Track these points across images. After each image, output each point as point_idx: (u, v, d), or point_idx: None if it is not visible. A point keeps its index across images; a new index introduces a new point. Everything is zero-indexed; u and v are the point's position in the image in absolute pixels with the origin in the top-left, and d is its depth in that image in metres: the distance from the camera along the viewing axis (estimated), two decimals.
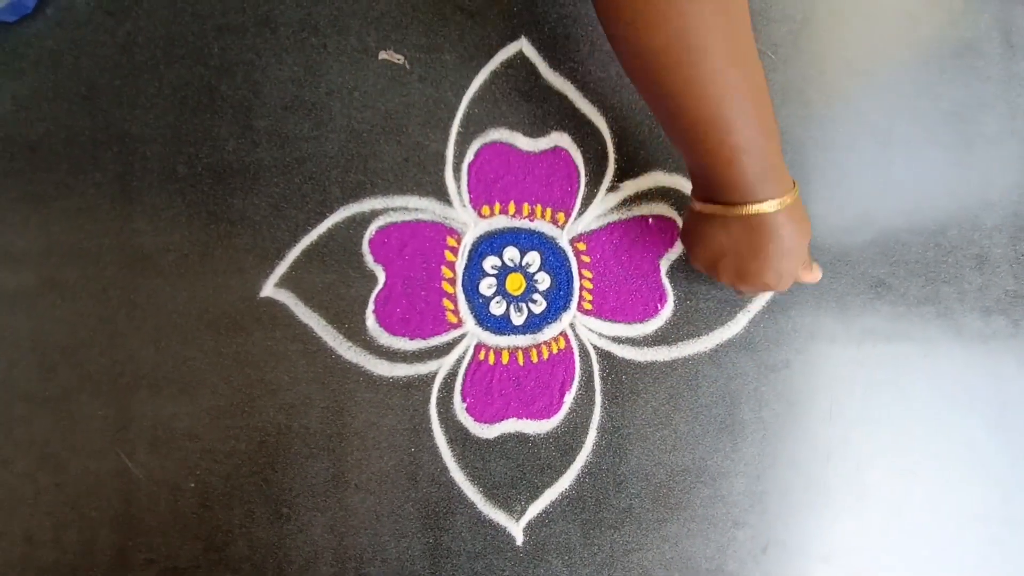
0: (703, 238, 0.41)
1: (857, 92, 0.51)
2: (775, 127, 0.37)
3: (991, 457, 0.51)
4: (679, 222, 0.50)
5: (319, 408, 0.49)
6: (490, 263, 0.49)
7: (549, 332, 0.49)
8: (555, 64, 0.50)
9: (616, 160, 0.50)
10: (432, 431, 0.49)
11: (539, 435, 0.50)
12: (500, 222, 0.49)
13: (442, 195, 0.50)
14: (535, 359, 0.49)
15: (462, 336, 0.50)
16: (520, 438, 0.50)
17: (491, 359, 0.49)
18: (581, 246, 0.50)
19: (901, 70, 0.51)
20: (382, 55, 0.50)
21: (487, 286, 0.49)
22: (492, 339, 0.49)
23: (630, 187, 0.50)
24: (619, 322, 0.49)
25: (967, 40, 0.51)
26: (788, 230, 0.39)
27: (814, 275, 0.45)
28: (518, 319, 0.49)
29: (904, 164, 0.51)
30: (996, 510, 0.51)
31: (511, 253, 0.50)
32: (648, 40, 0.33)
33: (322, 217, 0.50)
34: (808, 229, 0.41)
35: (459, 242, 0.49)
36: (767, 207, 0.37)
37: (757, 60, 0.36)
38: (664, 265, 0.50)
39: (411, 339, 0.49)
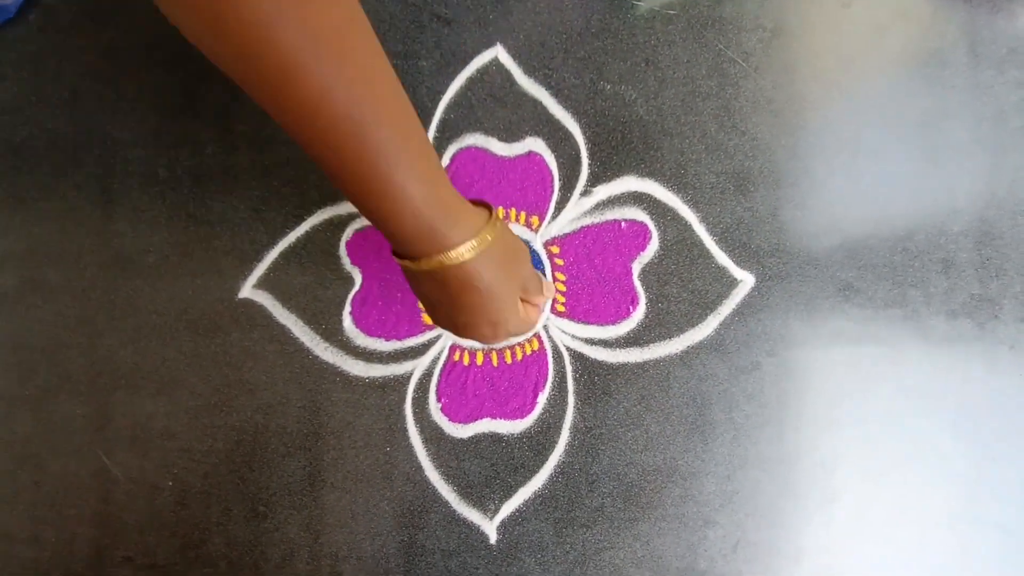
0: (414, 289, 0.38)
1: (826, 100, 0.52)
2: (435, 163, 0.33)
3: (956, 459, 0.52)
4: (651, 226, 0.50)
5: (296, 408, 0.50)
6: None
7: None
8: (530, 71, 0.51)
9: (589, 165, 0.51)
10: (407, 431, 0.50)
11: (513, 435, 0.50)
12: None
13: None
14: (509, 360, 0.50)
15: (437, 337, 0.50)
16: (494, 438, 0.50)
17: (466, 360, 0.50)
18: (555, 249, 0.50)
19: (870, 79, 0.52)
20: None
21: None
22: (466, 340, 0.50)
23: (603, 191, 0.51)
24: (592, 324, 0.50)
25: (934, 50, 0.52)
26: (490, 276, 0.34)
27: (546, 293, 0.42)
28: None
29: (872, 171, 0.52)
30: (962, 512, 0.52)
31: None
32: (214, 43, 0.27)
33: (300, 219, 0.50)
34: (522, 258, 0.37)
35: None
36: (449, 259, 0.33)
37: (392, 80, 0.30)
38: (636, 268, 0.50)
39: (387, 340, 0.50)
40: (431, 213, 0.32)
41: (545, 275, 0.50)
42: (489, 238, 0.34)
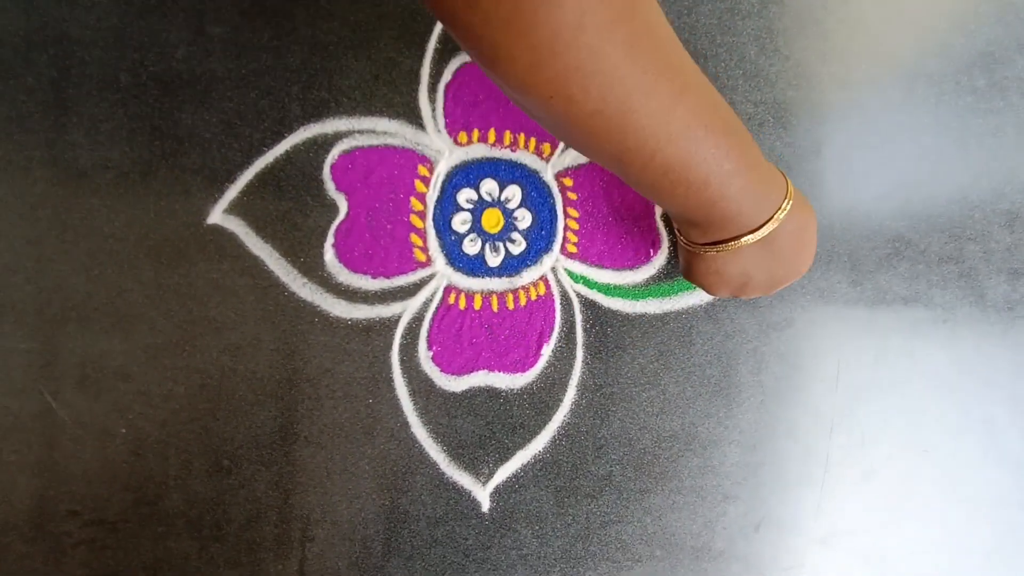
0: (719, 275, 0.37)
1: (882, 25, 0.46)
2: (750, 141, 0.33)
3: (1010, 437, 0.46)
4: None
5: (268, 350, 0.44)
6: (465, 196, 0.44)
7: (528, 276, 0.44)
8: None
9: None
10: (393, 381, 0.44)
11: (512, 390, 0.45)
12: (478, 151, 0.44)
13: (415, 118, 0.44)
14: (511, 305, 0.44)
15: (430, 276, 0.44)
16: (491, 393, 0.45)
17: (462, 303, 0.44)
18: (567, 181, 0.44)
19: (933, 1, 0.46)
20: None
21: (461, 222, 0.44)
22: (464, 281, 0.44)
23: None
24: (607, 268, 0.44)
25: None
26: (800, 226, 0.35)
27: None
28: (494, 260, 0.44)
29: (931, 108, 0.46)
30: (1012, 494, 0.46)
31: (489, 186, 0.44)
32: (575, 108, 0.27)
33: (279, 137, 0.44)
34: (812, 214, 0.37)
35: (431, 171, 0.44)
36: (773, 227, 0.34)
37: (698, 73, 0.30)
38: (659, 207, 0.44)
39: (373, 277, 0.44)
40: (758, 187, 0.33)
41: (556, 212, 0.44)
42: (792, 201, 0.35)
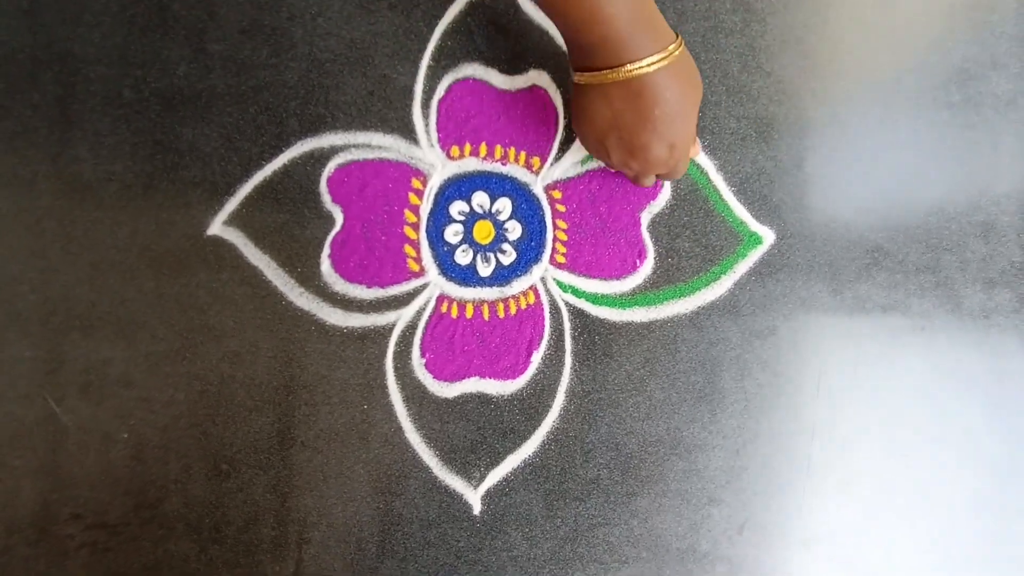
0: (586, 113, 0.38)
1: (862, 42, 0.47)
2: None
3: (988, 442, 0.48)
4: None
5: (266, 358, 0.46)
6: (457, 208, 0.46)
7: (518, 285, 0.46)
8: None
9: None
10: (387, 387, 0.46)
11: (502, 396, 0.46)
12: (470, 164, 0.46)
13: (408, 133, 0.46)
14: (502, 314, 0.46)
15: (424, 286, 0.46)
16: (482, 399, 0.46)
17: (454, 312, 0.46)
18: (556, 194, 0.46)
19: (910, 21, 0.47)
20: None
21: (453, 233, 0.46)
22: (456, 290, 0.46)
23: None
24: (594, 277, 0.46)
25: None
26: (674, 90, 0.35)
27: (696, 148, 0.42)
28: (485, 270, 0.46)
29: (909, 122, 0.47)
30: (991, 499, 0.48)
31: (480, 198, 0.46)
32: None
33: (277, 151, 0.46)
34: (698, 87, 0.37)
35: (425, 184, 0.46)
36: (645, 65, 0.34)
37: None
38: (645, 218, 0.46)
39: (368, 287, 0.45)
40: (641, 16, 0.33)
41: (545, 224, 0.46)
42: (677, 53, 0.35)
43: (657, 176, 0.41)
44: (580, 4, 0.32)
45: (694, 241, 0.46)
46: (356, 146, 0.46)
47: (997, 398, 0.47)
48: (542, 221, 0.46)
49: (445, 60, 0.46)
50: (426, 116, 0.46)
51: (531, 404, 0.46)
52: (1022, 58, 0.47)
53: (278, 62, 0.46)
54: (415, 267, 0.46)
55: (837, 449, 0.47)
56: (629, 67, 0.34)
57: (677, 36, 0.36)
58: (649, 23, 0.34)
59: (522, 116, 0.46)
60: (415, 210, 0.46)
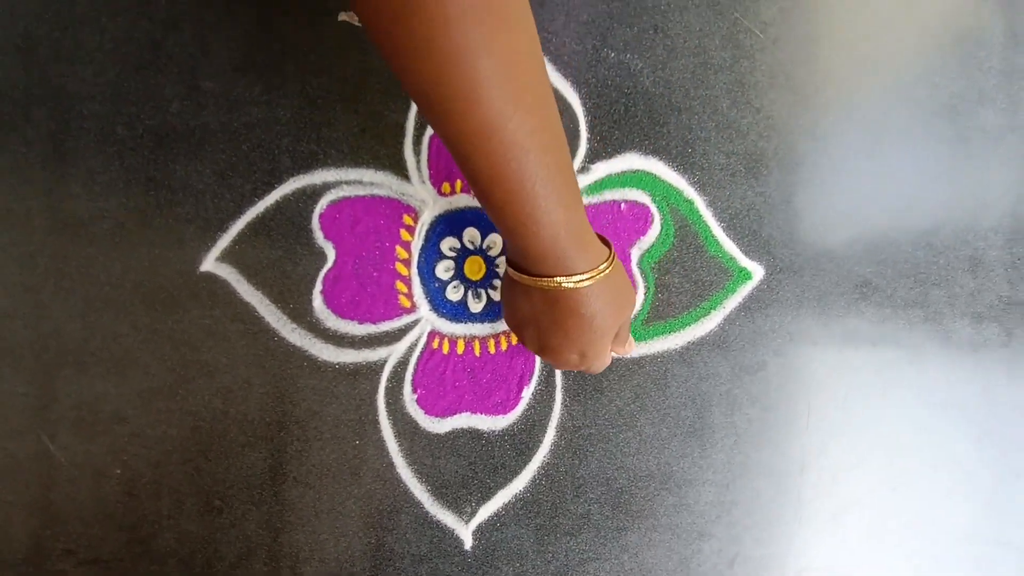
0: (511, 302, 0.39)
1: (850, 78, 0.47)
2: (577, 193, 0.34)
3: (979, 473, 0.48)
4: (653, 209, 0.46)
5: (258, 394, 0.46)
6: (448, 244, 0.46)
7: None
8: None
9: (588, 140, 0.46)
10: (379, 423, 0.46)
11: (493, 432, 0.46)
12: (461, 201, 0.46)
13: (400, 169, 0.46)
14: (492, 350, 0.46)
15: (415, 322, 0.46)
16: (473, 434, 0.46)
17: (445, 348, 0.46)
18: None
19: (897, 57, 0.48)
20: (342, 16, 0.46)
21: (444, 269, 0.46)
22: (447, 326, 0.46)
23: (602, 169, 0.46)
24: None
25: (968, 28, 0.48)
26: (594, 306, 0.35)
27: (627, 348, 0.43)
28: (476, 306, 0.46)
29: (897, 157, 0.47)
30: (984, 529, 0.48)
31: (471, 234, 0.46)
32: (416, 65, 0.28)
33: (270, 188, 0.46)
34: (628, 303, 0.38)
35: (416, 221, 0.46)
36: (567, 283, 0.34)
37: (552, 106, 0.32)
38: (635, 254, 0.46)
39: (360, 323, 0.46)
40: (567, 238, 0.33)
41: None
42: (607, 272, 0.35)
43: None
44: (516, 214, 0.32)
45: (684, 277, 0.46)
46: (348, 182, 0.46)
47: (988, 430, 0.48)
48: None
49: None
50: (417, 152, 0.46)
51: (522, 439, 0.46)
52: (1010, 93, 0.48)
53: (270, 99, 0.46)
54: (406, 303, 0.46)
55: (828, 483, 0.47)
56: (557, 280, 0.34)
57: (610, 253, 0.36)
58: (581, 241, 0.34)
59: None
60: (406, 246, 0.46)
